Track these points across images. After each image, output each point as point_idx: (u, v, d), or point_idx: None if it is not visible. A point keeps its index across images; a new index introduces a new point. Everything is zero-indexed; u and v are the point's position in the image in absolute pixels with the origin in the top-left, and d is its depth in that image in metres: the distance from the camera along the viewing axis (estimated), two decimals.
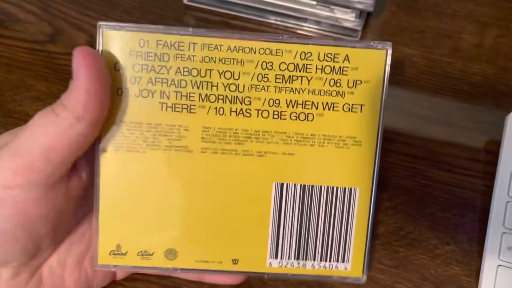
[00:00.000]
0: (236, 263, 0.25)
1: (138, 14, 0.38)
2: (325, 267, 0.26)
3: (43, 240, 0.23)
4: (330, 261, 0.26)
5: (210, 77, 0.24)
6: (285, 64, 0.24)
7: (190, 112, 0.24)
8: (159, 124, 0.24)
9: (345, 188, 0.25)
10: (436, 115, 0.34)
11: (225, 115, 0.24)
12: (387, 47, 0.24)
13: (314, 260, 0.26)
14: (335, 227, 0.26)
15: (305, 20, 0.37)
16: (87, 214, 0.26)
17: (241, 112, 0.24)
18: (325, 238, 0.26)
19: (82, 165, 0.25)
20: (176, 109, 0.24)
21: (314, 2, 0.36)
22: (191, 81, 0.24)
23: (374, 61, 0.24)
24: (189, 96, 0.24)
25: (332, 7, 0.36)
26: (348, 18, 0.36)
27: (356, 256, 0.26)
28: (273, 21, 0.38)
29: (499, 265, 0.29)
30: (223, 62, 0.24)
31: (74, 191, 0.24)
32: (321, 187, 0.25)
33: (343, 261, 0.26)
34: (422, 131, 0.34)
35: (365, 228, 0.26)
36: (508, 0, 0.38)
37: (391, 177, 0.33)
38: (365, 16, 0.37)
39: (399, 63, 0.36)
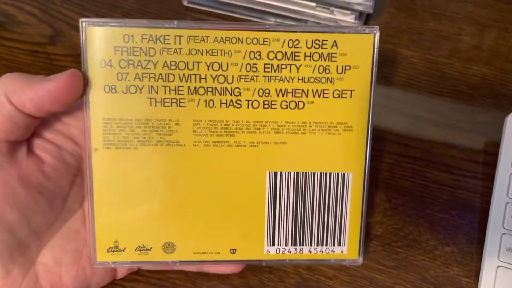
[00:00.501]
0: (234, 253, 0.26)
1: (138, 16, 0.38)
2: (322, 251, 0.26)
3: (18, 230, 0.23)
4: (326, 245, 0.26)
5: (198, 69, 0.24)
6: (273, 53, 0.24)
7: (180, 106, 0.24)
8: (149, 120, 0.24)
9: (338, 174, 0.25)
10: (435, 117, 0.34)
11: (215, 107, 0.24)
12: (375, 31, 0.24)
13: (311, 245, 0.26)
14: (329, 212, 0.26)
15: (305, 21, 0.37)
16: (76, 210, 0.26)
17: (231, 103, 0.24)
18: (321, 223, 0.26)
19: (45, 154, 0.24)
20: (166, 104, 0.24)
21: (314, 4, 0.36)
22: (179, 74, 0.24)
23: (363, 46, 0.24)
24: (178, 90, 0.24)
25: (331, 8, 0.36)
26: (347, 20, 0.36)
27: (352, 239, 0.26)
28: (273, 23, 0.38)
29: (499, 266, 0.29)
30: (211, 53, 0.24)
31: (32, 178, 0.24)
32: (314, 173, 0.25)
33: (339, 245, 0.26)
34: (421, 132, 0.34)
35: (359, 211, 0.26)
36: (506, 2, 0.38)
37: (390, 178, 0.33)
38: (365, 18, 0.37)
39: (398, 64, 0.36)
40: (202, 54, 0.24)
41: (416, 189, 0.32)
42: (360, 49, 0.24)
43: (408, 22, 0.38)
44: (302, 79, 0.24)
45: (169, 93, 0.24)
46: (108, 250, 0.25)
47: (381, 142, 0.34)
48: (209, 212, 0.25)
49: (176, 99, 0.24)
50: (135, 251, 0.25)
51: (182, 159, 0.25)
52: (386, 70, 0.36)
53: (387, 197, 0.32)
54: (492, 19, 0.38)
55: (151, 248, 0.25)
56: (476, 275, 0.30)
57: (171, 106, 0.24)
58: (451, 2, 0.39)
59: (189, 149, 0.25)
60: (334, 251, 0.26)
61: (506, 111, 0.34)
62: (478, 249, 0.31)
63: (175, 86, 0.24)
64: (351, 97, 0.25)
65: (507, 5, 0.38)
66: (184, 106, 0.24)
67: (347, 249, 0.26)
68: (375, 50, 0.24)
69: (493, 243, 0.29)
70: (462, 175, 0.33)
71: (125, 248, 0.25)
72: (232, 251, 0.26)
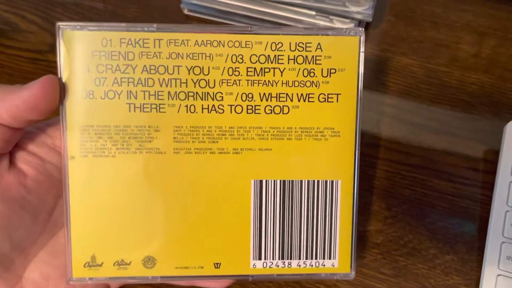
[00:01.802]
0: (219, 267, 0.25)
1: None
2: (312, 265, 0.25)
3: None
4: (316, 258, 0.25)
5: (178, 73, 0.23)
6: (256, 56, 0.23)
7: (160, 112, 0.23)
8: (128, 126, 0.23)
9: (326, 181, 0.24)
10: (434, 124, 0.34)
11: (196, 112, 0.23)
12: (360, 34, 0.23)
13: (300, 258, 0.25)
14: (319, 222, 0.25)
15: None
16: (63, 225, 0.25)
17: (213, 108, 0.23)
18: (310, 234, 0.25)
19: (27, 168, 0.24)
20: (145, 109, 0.23)
21: (313, 13, 0.37)
22: (159, 79, 0.23)
23: (348, 48, 0.24)
24: (158, 95, 0.23)
25: (331, 17, 0.37)
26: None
27: (343, 251, 0.25)
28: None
29: (499, 275, 0.29)
30: (191, 57, 0.23)
31: (13, 192, 0.23)
32: (301, 181, 0.24)
33: (330, 258, 0.25)
34: (420, 140, 0.34)
35: (350, 221, 0.25)
36: (505, 11, 0.38)
37: (390, 187, 0.33)
38: (364, 26, 0.38)
39: (398, 72, 0.36)
40: (182, 58, 0.23)
41: (416, 197, 0.32)
42: (345, 51, 0.23)
43: (408, 30, 0.38)
44: (286, 83, 0.24)
45: (149, 98, 0.23)
46: (85, 265, 0.24)
47: (380, 150, 0.34)
48: (191, 223, 0.24)
49: (156, 105, 0.23)
50: (114, 265, 0.24)
51: (163, 168, 0.24)
52: (385, 78, 0.36)
53: (387, 205, 0.32)
54: (491, 28, 0.38)
55: (130, 262, 0.24)
56: (476, 284, 0.30)
57: (151, 111, 0.23)
58: (450, 11, 0.39)
59: (169, 156, 0.24)
60: (324, 265, 0.25)
61: (505, 119, 0.34)
62: (478, 257, 0.30)
63: (155, 91, 0.23)
64: (337, 101, 0.24)
65: (506, 14, 0.38)
66: (164, 112, 0.23)
67: (338, 263, 0.25)
68: (361, 52, 0.24)
69: (493, 252, 0.29)
70: (462, 183, 0.33)
71: (102, 263, 0.24)
72: (216, 265, 0.24)
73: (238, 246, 0.24)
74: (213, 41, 0.23)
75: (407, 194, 0.32)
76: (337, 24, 0.37)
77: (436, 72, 0.36)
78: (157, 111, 0.23)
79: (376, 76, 0.36)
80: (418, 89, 0.36)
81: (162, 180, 0.24)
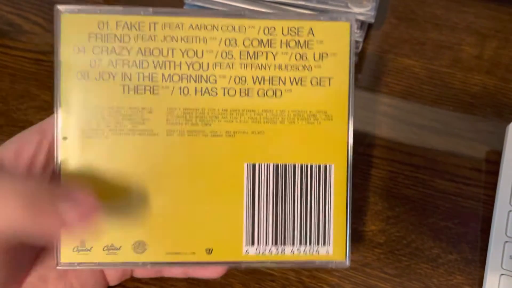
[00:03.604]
0: (210, 253, 0.24)
1: None
2: (306, 252, 0.24)
3: None
4: (310, 244, 0.24)
5: (172, 56, 0.23)
6: (249, 40, 0.24)
7: (153, 94, 0.23)
8: (122, 108, 0.23)
9: (319, 165, 0.24)
10: (437, 125, 0.34)
11: (190, 95, 0.23)
12: (351, 19, 0.24)
13: (293, 244, 0.24)
14: (312, 207, 0.24)
15: None
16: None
17: (206, 91, 0.24)
18: (303, 219, 0.24)
19: None
20: (139, 91, 0.23)
21: (316, 14, 0.37)
22: (153, 61, 0.23)
23: (339, 33, 0.24)
24: (152, 77, 0.23)
25: None
26: None
27: (338, 238, 0.24)
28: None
29: (502, 274, 0.29)
30: (185, 40, 0.23)
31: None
32: (294, 165, 0.24)
33: (324, 244, 0.24)
34: (423, 141, 0.34)
35: (344, 207, 0.24)
36: (507, 12, 0.39)
37: (393, 187, 0.33)
38: (366, 28, 0.38)
39: (400, 73, 0.36)
40: (177, 41, 0.23)
41: (418, 197, 0.32)
42: (337, 36, 0.24)
43: (410, 32, 0.38)
44: (279, 67, 0.24)
45: (143, 79, 0.23)
46: (73, 249, 0.23)
47: (383, 150, 0.34)
48: (183, 207, 0.24)
49: (150, 86, 0.23)
50: (103, 250, 0.23)
51: (155, 149, 0.23)
52: (388, 79, 0.36)
53: (390, 205, 0.32)
54: (493, 29, 0.38)
55: (120, 247, 0.24)
56: (479, 284, 0.30)
57: (145, 93, 0.23)
58: (452, 13, 0.39)
59: (162, 138, 0.23)
60: (318, 252, 0.24)
61: (507, 120, 0.34)
62: (481, 257, 0.31)
63: (149, 73, 0.23)
64: (329, 85, 0.24)
65: (508, 16, 0.38)
66: (158, 94, 0.23)
67: (332, 250, 0.24)
68: (352, 38, 0.24)
69: (496, 251, 0.29)
70: (465, 183, 0.33)
71: (92, 247, 0.23)
72: (208, 251, 0.24)
73: (230, 231, 0.24)
74: (208, 25, 0.23)
75: (410, 194, 0.32)
76: None
77: (438, 73, 0.36)
78: (150, 93, 0.23)
79: (379, 77, 0.36)
80: (420, 90, 0.36)
81: (155, 162, 0.24)
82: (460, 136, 0.34)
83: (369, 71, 0.37)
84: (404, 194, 0.33)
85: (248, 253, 0.24)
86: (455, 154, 0.33)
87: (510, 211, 0.30)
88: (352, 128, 0.24)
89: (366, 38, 0.38)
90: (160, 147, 0.24)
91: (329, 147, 0.24)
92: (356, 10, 0.36)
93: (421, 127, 0.34)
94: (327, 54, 0.24)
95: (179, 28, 0.23)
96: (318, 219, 0.24)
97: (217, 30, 0.23)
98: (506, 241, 0.29)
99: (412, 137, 0.34)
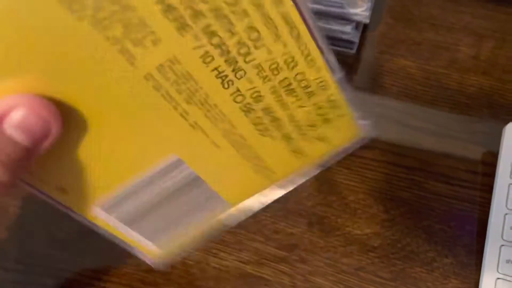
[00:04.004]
0: (64, 194, 0.21)
1: None
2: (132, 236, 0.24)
3: None
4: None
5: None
6: None
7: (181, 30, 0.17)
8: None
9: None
10: (433, 127, 0.34)
11: (205, 63, 0.18)
12: None
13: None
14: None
15: None
16: None
17: (227, 78, 0.19)
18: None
19: None
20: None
21: None
22: None
23: None
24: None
25: (328, 19, 0.36)
26: (344, 30, 0.36)
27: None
28: None
29: (498, 278, 0.28)
30: None
31: None
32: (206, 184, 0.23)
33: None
34: (418, 142, 0.34)
35: None
36: (504, 12, 0.38)
37: (387, 189, 0.32)
38: (362, 28, 0.37)
39: (396, 74, 0.36)
40: None
41: (413, 200, 0.32)
42: None
43: (406, 32, 0.38)
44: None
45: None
46: None
47: (377, 152, 0.33)
48: (105, 150, 0.20)
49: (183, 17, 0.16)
50: None
51: (126, 85, 0.18)
52: (383, 80, 0.36)
53: (385, 208, 0.32)
54: (490, 29, 0.38)
55: None
56: None
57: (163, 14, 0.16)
58: (448, 13, 0.39)
59: (139, 78, 0.18)
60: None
61: (503, 121, 0.33)
62: (477, 260, 0.30)
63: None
64: None
65: (505, 16, 0.38)
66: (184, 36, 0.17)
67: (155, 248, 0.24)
68: None
69: (492, 255, 0.29)
70: (460, 185, 0.32)
71: None
72: (62, 190, 0.21)
73: (100, 190, 0.21)
74: None
75: (405, 197, 0.32)
76: (334, 25, 0.36)
77: (434, 74, 0.36)
78: (179, 28, 0.16)
79: (374, 78, 0.36)
80: (416, 91, 0.35)
81: (116, 96, 0.18)
82: (456, 137, 0.34)
83: (365, 72, 0.37)
84: (399, 197, 0.32)
85: (98, 216, 0.22)
86: (450, 156, 0.33)
87: (506, 214, 0.30)
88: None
89: (362, 38, 0.38)
90: (130, 85, 0.18)
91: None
92: (351, 10, 0.35)
93: (417, 128, 0.34)
94: None
95: None
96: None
97: None
98: (503, 245, 0.29)
99: (407, 138, 0.34)
